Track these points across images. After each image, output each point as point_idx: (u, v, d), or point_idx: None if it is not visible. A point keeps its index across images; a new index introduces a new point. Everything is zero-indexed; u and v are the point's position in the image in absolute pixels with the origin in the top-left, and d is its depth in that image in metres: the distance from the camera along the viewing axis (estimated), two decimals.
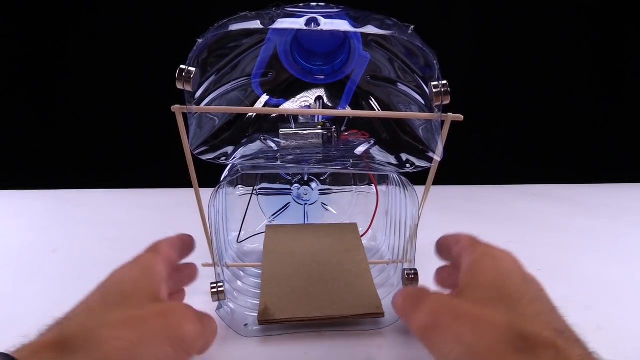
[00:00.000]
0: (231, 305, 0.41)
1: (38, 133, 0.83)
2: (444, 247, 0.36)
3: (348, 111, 0.42)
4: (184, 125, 0.34)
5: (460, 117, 0.34)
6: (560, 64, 0.89)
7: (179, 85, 0.32)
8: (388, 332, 0.41)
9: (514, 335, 0.24)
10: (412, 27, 0.33)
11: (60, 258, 0.55)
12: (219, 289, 0.38)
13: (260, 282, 0.43)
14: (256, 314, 0.39)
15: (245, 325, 0.40)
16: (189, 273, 0.38)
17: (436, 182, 0.41)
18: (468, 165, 0.91)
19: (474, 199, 0.84)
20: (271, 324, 0.39)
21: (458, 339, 0.25)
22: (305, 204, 0.56)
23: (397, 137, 0.41)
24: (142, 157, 0.84)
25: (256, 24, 0.31)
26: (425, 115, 0.36)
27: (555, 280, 0.51)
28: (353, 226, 0.54)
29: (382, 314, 0.40)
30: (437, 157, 0.35)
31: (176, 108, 0.34)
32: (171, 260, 0.33)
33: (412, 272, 0.41)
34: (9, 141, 0.83)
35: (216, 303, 0.39)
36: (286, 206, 0.55)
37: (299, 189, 0.55)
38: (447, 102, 0.32)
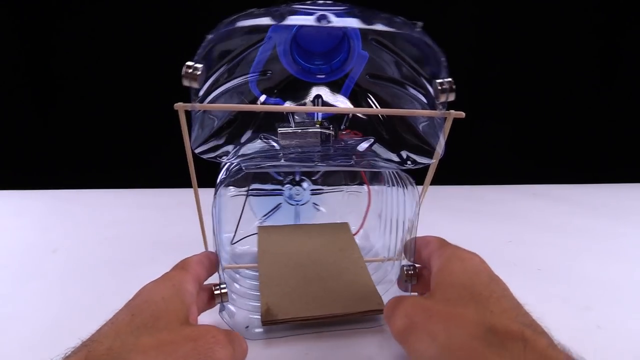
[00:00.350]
0: (232, 307, 0.41)
1: (38, 133, 0.83)
2: (409, 249, 0.38)
3: (352, 108, 0.42)
4: (186, 124, 0.33)
5: (462, 114, 0.34)
6: (561, 64, 0.89)
7: (185, 83, 0.31)
8: (388, 332, 0.41)
9: (484, 330, 0.25)
10: (421, 24, 0.33)
11: (60, 258, 0.55)
12: (222, 291, 0.38)
13: (259, 284, 0.43)
14: (257, 316, 0.39)
15: (247, 327, 0.40)
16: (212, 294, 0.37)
17: (436, 182, 0.41)
18: (468, 165, 0.91)
19: (474, 199, 0.84)
20: (275, 324, 0.39)
21: (432, 337, 0.26)
22: (297, 204, 0.55)
23: (397, 134, 0.41)
24: (142, 157, 0.84)
25: (267, 21, 0.31)
26: (428, 112, 0.36)
27: (555, 280, 0.51)
28: (345, 226, 0.53)
29: (382, 310, 0.40)
30: (439, 152, 0.35)
31: (179, 106, 0.33)
32: (200, 279, 0.33)
33: (411, 268, 0.40)
34: (9, 141, 0.83)
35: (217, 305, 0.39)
36: (277, 207, 0.55)
37: (290, 189, 0.54)
38: (451, 99, 0.33)
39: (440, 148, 0.35)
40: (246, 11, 0.33)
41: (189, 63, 0.31)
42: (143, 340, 0.24)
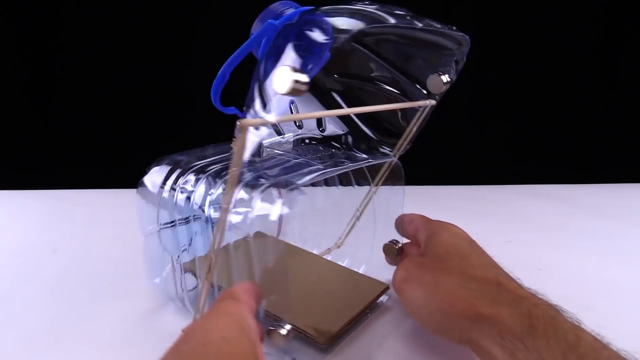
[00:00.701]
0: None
1: (38, 133, 0.83)
2: (399, 225, 0.44)
3: (361, 108, 0.40)
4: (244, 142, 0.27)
5: (433, 102, 0.39)
6: (561, 63, 0.89)
7: (288, 96, 0.26)
8: (388, 332, 0.41)
9: (466, 278, 0.31)
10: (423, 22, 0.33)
11: (60, 258, 0.55)
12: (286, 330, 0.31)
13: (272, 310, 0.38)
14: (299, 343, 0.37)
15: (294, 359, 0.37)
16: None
17: (436, 182, 0.42)
18: (468, 165, 0.91)
19: (474, 199, 0.84)
20: (333, 340, 0.38)
21: (423, 285, 0.32)
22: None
23: (373, 129, 0.42)
24: (142, 157, 0.84)
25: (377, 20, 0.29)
26: (412, 103, 0.38)
27: (555, 280, 0.51)
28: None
29: (388, 287, 0.44)
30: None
31: (245, 122, 0.26)
32: (253, 310, 0.28)
33: (396, 242, 0.45)
34: (9, 141, 0.83)
35: None
36: (185, 219, 0.42)
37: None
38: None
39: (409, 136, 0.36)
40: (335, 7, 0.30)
41: (298, 77, 0.25)
42: None
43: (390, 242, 0.46)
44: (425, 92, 0.40)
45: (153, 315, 0.43)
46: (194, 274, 0.40)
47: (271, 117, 0.27)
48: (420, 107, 0.40)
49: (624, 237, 0.65)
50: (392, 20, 0.31)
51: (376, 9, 0.31)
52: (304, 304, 0.41)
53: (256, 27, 0.34)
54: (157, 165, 0.41)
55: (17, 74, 0.81)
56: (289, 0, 0.34)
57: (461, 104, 0.89)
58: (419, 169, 0.90)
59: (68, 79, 0.82)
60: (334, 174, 0.39)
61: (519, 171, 0.93)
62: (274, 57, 0.28)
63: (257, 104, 0.27)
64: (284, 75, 0.25)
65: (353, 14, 0.30)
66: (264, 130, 0.28)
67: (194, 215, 0.38)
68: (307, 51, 0.28)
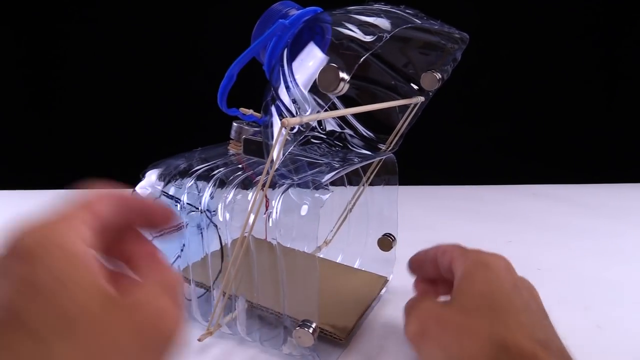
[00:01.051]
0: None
1: (38, 133, 0.83)
2: (425, 261, 0.35)
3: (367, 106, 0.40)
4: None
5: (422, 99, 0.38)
6: (561, 63, 0.89)
7: (339, 92, 0.26)
8: (388, 331, 0.41)
9: (496, 346, 0.24)
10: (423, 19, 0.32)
11: None
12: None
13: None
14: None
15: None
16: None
17: (436, 182, 0.42)
18: (468, 165, 0.91)
19: (474, 199, 0.84)
20: (350, 335, 0.38)
21: (443, 347, 0.26)
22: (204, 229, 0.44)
23: (369, 127, 0.43)
24: (142, 157, 0.84)
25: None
26: (403, 101, 0.39)
27: (555, 280, 0.51)
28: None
29: (387, 279, 0.45)
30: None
31: (288, 122, 0.26)
32: (101, 221, 0.22)
33: (390, 235, 0.44)
34: (8, 141, 0.83)
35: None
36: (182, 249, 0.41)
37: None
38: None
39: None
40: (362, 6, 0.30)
41: (343, 75, 0.25)
42: (63, 346, 0.16)
43: (384, 235, 0.46)
44: (417, 88, 0.40)
45: None
46: (187, 282, 0.40)
47: (312, 116, 0.27)
48: (411, 104, 0.40)
49: (624, 237, 0.65)
50: (417, 21, 0.31)
51: (400, 10, 0.31)
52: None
53: (259, 30, 0.33)
54: (152, 170, 0.40)
55: (18, 75, 0.81)
56: (289, 0, 0.34)
57: (461, 104, 0.89)
58: (419, 169, 0.90)
59: (68, 79, 0.82)
60: (349, 171, 0.37)
61: (519, 171, 0.93)
62: (298, 57, 0.29)
63: (287, 103, 0.27)
64: (333, 73, 0.25)
65: (385, 14, 0.29)
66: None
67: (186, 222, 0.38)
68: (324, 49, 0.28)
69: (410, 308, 0.30)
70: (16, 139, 0.83)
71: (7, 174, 0.82)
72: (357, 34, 0.27)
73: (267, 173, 0.29)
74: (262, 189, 0.30)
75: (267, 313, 0.37)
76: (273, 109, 0.29)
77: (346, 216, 0.50)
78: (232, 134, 0.36)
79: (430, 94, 0.39)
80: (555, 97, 0.92)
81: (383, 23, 0.28)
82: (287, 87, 0.28)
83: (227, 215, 0.36)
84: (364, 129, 0.43)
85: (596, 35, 0.89)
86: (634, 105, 0.93)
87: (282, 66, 0.28)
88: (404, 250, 0.59)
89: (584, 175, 0.93)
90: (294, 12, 0.32)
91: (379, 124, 0.43)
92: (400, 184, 0.46)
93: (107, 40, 0.80)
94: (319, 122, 0.43)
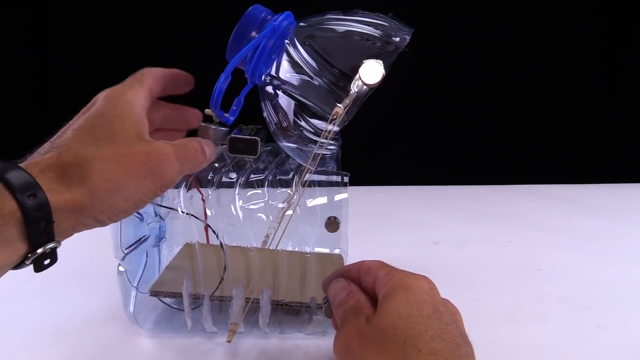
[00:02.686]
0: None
1: (38, 133, 0.83)
2: (346, 277, 0.35)
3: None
4: None
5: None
6: (561, 64, 0.89)
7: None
8: None
9: None
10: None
11: (61, 258, 0.54)
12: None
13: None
14: None
15: None
16: (185, 115, 0.36)
17: (436, 182, 0.41)
18: (468, 165, 0.91)
19: (474, 199, 0.84)
20: None
21: None
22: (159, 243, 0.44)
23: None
24: None
25: None
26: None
27: (555, 280, 0.51)
28: None
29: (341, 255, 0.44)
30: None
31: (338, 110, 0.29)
32: (153, 94, 0.33)
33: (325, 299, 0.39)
34: (9, 141, 0.83)
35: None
36: (142, 239, 0.42)
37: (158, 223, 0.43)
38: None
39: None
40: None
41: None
42: (103, 150, 0.27)
43: (329, 218, 0.42)
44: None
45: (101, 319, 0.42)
46: (162, 297, 0.41)
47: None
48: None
49: (624, 237, 0.65)
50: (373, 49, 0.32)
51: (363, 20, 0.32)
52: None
53: (239, 38, 0.33)
54: None
55: (18, 75, 0.81)
56: (258, 5, 0.34)
57: (461, 104, 0.89)
58: (419, 169, 0.90)
59: (69, 79, 0.82)
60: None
61: (519, 171, 0.93)
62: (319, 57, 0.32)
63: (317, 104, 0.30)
64: (377, 68, 0.28)
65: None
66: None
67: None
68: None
69: (341, 323, 0.31)
70: (16, 139, 0.83)
71: None
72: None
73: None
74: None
75: (290, 306, 0.41)
76: (280, 93, 0.30)
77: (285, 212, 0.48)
78: (200, 135, 0.35)
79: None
80: (555, 97, 0.92)
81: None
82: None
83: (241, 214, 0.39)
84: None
85: (597, 35, 0.89)
86: (634, 105, 0.93)
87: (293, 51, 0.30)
88: (404, 250, 0.59)
89: (584, 175, 0.93)
90: (270, 18, 0.33)
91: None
92: (400, 184, 0.46)
93: (108, 36, 0.81)
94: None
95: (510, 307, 0.45)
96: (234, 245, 0.40)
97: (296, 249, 0.42)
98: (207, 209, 0.40)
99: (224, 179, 0.40)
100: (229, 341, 0.37)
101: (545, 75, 0.90)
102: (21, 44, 0.80)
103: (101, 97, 0.30)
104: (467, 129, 0.91)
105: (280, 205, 0.39)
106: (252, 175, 0.41)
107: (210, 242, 0.41)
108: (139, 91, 0.31)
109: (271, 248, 0.38)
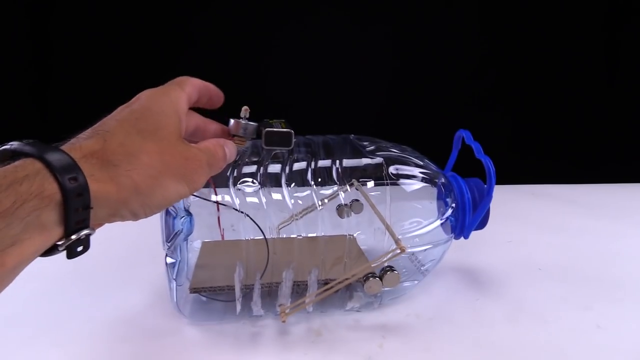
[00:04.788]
0: None
1: (38, 133, 0.83)
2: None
3: None
4: None
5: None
6: (560, 63, 0.89)
7: None
8: (388, 332, 0.41)
9: None
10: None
11: (61, 258, 0.54)
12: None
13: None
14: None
15: None
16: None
17: None
18: (468, 165, 0.91)
19: None
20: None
21: None
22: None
23: None
24: None
25: None
26: None
27: (555, 280, 0.51)
28: None
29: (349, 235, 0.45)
30: None
31: None
32: (191, 100, 0.33)
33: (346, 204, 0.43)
34: (8, 141, 0.83)
35: None
36: (178, 233, 0.42)
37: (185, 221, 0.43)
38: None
39: None
40: None
41: None
42: (148, 145, 0.27)
43: (339, 205, 0.44)
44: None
45: (143, 310, 0.44)
46: (202, 293, 0.42)
47: None
48: None
49: (624, 237, 0.65)
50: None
51: None
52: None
53: None
54: None
55: (18, 75, 0.81)
56: None
57: (460, 104, 0.89)
58: None
59: (68, 80, 0.82)
60: None
61: (519, 171, 0.93)
62: None
63: None
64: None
65: None
66: None
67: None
68: None
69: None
70: (16, 138, 0.83)
71: None
72: None
73: None
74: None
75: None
76: None
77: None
78: (232, 130, 0.36)
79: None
80: (556, 97, 0.92)
81: None
82: None
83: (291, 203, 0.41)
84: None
85: (597, 34, 0.89)
86: (634, 105, 0.93)
87: None
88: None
89: (584, 175, 0.93)
90: None
91: None
92: (400, 184, 0.46)
93: (108, 38, 0.81)
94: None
95: (510, 307, 0.45)
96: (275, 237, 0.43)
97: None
98: (256, 200, 0.42)
99: (269, 171, 0.42)
100: (283, 321, 0.39)
101: (545, 75, 0.90)
102: (21, 44, 0.80)
103: (145, 94, 0.30)
104: (466, 128, 0.91)
105: (326, 192, 0.42)
106: (295, 165, 0.43)
107: (235, 238, 0.42)
108: (180, 94, 0.31)
109: (315, 235, 0.42)
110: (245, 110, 0.36)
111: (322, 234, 0.43)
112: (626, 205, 0.81)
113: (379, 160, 0.44)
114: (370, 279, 0.39)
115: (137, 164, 0.26)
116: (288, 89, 0.86)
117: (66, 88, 0.83)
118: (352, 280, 0.39)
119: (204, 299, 0.44)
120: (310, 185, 0.42)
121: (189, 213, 0.43)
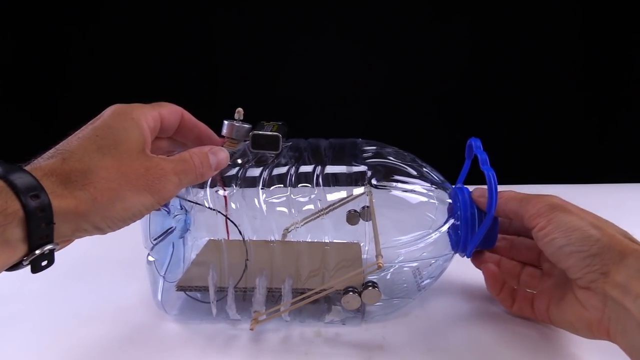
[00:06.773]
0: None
1: (38, 133, 0.83)
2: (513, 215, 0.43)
3: None
4: None
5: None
6: (559, 63, 0.90)
7: None
8: (388, 331, 0.41)
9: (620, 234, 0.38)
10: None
11: (61, 258, 0.54)
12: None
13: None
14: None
15: None
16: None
17: None
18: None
19: None
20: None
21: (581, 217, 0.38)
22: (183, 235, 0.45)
23: None
24: None
25: None
26: None
27: None
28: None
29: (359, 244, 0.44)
30: None
31: None
32: (165, 121, 0.34)
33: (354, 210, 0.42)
34: (9, 142, 0.84)
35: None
36: (169, 231, 0.43)
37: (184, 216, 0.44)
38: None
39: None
40: None
41: None
42: (106, 160, 0.28)
43: (349, 211, 0.44)
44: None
45: (147, 323, 0.43)
46: (188, 291, 0.42)
47: None
48: None
49: None
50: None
51: None
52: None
53: None
54: None
55: (18, 75, 0.81)
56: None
57: (460, 104, 0.89)
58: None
59: (69, 81, 0.82)
60: None
61: (519, 171, 0.93)
62: None
63: None
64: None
65: None
66: None
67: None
68: None
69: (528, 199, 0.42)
70: (16, 139, 0.83)
71: None
72: None
73: None
74: None
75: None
76: None
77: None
78: (225, 132, 0.36)
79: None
80: (555, 97, 0.92)
81: None
82: None
83: (265, 207, 0.41)
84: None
85: (596, 34, 0.89)
86: (634, 106, 0.93)
87: None
88: None
89: (584, 175, 0.93)
90: None
91: None
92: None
93: (108, 40, 0.81)
94: None
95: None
96: (254, 239, 0.42)
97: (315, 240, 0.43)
98: (231, 203, 0.41)
99: (248, 175, 0.42)
100: (251, 329, 0.38)
101: (545, 74, 0.90)
102: (22, 46, 0.80)
103: (109, 110, 0.31)
104: (466, 129, 0.91)
105: (302, 200, 0.41)
106: (275, 169, 0.42)
107: (232, 237, 0.42)
108: (147, 111, 0.32)
109: (292, 240, 0.41)
110: (238, 112, 0.36)
111: (327, 239, 0.42)
112: (626, 205, 0.81)
113: (362, 168, 0.42)
114: (350, 293, 0.37)
115: (93, 178, 0.27)
116: (306, 93, 0.86)
117: (66, 89, 0.83)
118: (329, 292, 0.37)
119: (198, 300, 0.44)
120: (287, 188, 0.41)
121: (186, 211, 0.43)
